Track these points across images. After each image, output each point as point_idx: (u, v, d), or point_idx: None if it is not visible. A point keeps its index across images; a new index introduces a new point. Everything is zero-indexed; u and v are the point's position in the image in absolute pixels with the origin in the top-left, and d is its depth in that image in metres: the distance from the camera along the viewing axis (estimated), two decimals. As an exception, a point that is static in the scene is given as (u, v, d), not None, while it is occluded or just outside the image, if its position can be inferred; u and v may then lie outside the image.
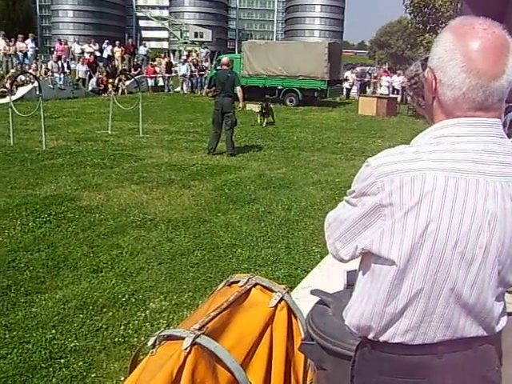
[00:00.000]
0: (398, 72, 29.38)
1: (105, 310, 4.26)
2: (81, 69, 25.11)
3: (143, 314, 4.21)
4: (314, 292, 2.57)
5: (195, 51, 34.36)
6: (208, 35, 46.32)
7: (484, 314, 1.40)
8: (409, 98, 2.23)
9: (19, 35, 25.74)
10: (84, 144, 11.60)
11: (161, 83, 27.71)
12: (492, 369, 1.46)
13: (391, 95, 25.44)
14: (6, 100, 15.36)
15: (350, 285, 2.60)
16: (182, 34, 47.35)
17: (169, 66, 28.49)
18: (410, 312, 1.39)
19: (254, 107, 20.21)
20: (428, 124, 1.53)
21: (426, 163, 1.33)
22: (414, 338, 1.40)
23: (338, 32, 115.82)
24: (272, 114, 15.82)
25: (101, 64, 27.09)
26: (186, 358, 2.11)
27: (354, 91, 29.03)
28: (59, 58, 25.42)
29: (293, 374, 2.70)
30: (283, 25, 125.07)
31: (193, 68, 28.00)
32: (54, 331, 3.90)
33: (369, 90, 30.29)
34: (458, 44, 1.35)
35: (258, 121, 15.76)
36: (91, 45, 28.59)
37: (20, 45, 24.92)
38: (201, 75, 27.87)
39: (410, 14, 29.87)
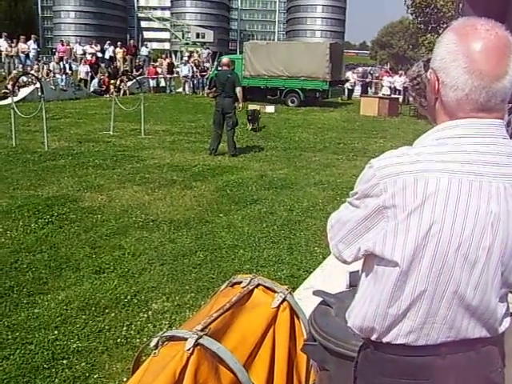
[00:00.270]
0: (400, 72, 29.37)
1: (107, 310, 4.26)
2: (83, 70, 25.11)
3: (145, 315, 4.21)
4: (316, 293, 2.57)
5: (197, 52, 34.34)
6: (210, 36, 46.29)
7: (487, 316, 1.40)
8: (411, 99, 2.23)
9: (21, 36, 25.80)
10: (86, 145, 11.61)
11: (162, 84, 27.73)
12: (495, 370, 1.46)
13: (393, 95, 25.42)
14: (8, 101, 15.36)
15: (353, 285, 2.61)
16: (183, 34, 47.31)
17: (170, 66, 28.51)
18: (412, 313, 1.39)
19: (256, 108, 20.25)
20: (430, 124, 1.53)
21: (429, 165, 1.33)
22: (417, 339, 1.40)
23: (339, 32, 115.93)
24: (258, 121, 15.36)
25: (103, 65, 27.15)
26: (188, 358, 2.11)
27: (357, 92, 29.01)
28: (61, 59, 25.47)
29: (295, 374, 2.70)
30: (285, 25, 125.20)
31: (194, 69, 28.01)
32: (56, 332, 3.90)
33: (370, 91, 30.29)
34: (460, 45, 1.35)
35: (248, 126, 15.33)
36: (93, 46, 28.61)
37: (22, 46, 24.98)
38: (202, 76, 27.87)
39: (412, 14, 29.89)
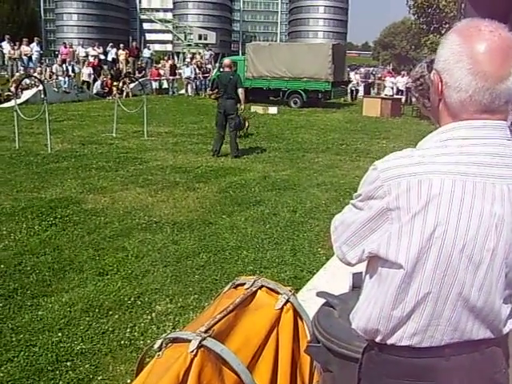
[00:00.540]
0: (402, 73, 29.40)
1: (111, 312, 4.27)
2: (85, 72, 25.18)
3: (149, 317, 4.22)
4: (319, 294, 2.57)
5: (199, 53, 34.42)
6: (212, 37, 46.36)
7: (491, 317, 1.40)
8: (414, 99, 2.23)
9: (24, 39, 25.87)
10: (89, 147, 11.62)
11: (165, 86, 27.78)
12: (499, 371, 1.46)
13: (395, 96, 25.43)
14: (11, 103, 15.45)
15: (356, 287, 2.60)
16: (185, 36, 47.40)
17: (173, 68, 28.56)
18: (417, 315, 1.39)
19: (259, 109, 20.26)
20: (432, 125, 1.53)
21: (433, 166, 1.33)
22: (422, 340, 1.40)
23: (341, 33, 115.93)
24: (245, 128, 14.81)
25: (105, 67, 27.21)
26: (192, 360, 2.11)
27: (360, 92, 29.01)
28: (64, 61, 25.55)
29: (299, 376, 2.70)
30: (287, 26, 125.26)
31: (197, 70, 28.05)
32: (60, 334, 3.91)
33: (373, 91, 30.29)
34: (464, 46, 1.35)
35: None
36: (95, 48, 28.69)
37: (25, 48, 25.04)
38: (205, 77, 27.91)
39: (414, 14, 29.79)
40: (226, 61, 11.91)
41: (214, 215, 6.91)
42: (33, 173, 8.95)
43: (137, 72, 27.52)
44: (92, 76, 25.10)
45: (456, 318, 1.38)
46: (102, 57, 28.24)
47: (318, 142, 13.62)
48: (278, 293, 2.70)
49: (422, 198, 1.31)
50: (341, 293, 2.60)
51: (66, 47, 28.62)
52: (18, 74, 22.23)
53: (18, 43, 25.41)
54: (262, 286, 2.72)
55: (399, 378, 1.43)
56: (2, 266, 5.10)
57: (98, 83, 24.61)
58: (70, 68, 24.95)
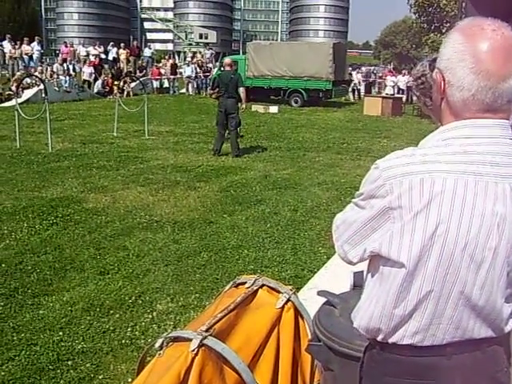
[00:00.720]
0: (403, 72, 29.38)
1: (112, 311, 4.27)
2: (86, 71, 25.20)
3: (150, 316, 4.22)
4: (320, 293, 2.57)
5: (200, 53, 34.42)
6: (213, 36, 46.39)
7: (493, 316, 1.40)
8: (415, 98, 2.23)
9: (25, 38, 25.90)
10: (90, 146, 11.63)
11: (166, 85, 27.77)
12: (501, 370, 1.45)
13: (396, 95, 25.41)
14: (12, 103, 15.44)
15: (357, 286, 2.60)
16: (186, 35, 47.41)
17: (174, 67, 28.56)
18: (419, 314, 1.38)
19: (259, 108, 20.26)
20: (433, 124, 1.53)
21: (435, 165, 1.33)
22: (423, 339, 1.40)
23: (342, 32, 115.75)
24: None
25: (106, 66, 27.21)
26: (193, 359, 2.11)
27: (362, 92, 28.99)
28: (65, 60, 25.56)
29: (300, 374, 2.70)
30: (288, 25, 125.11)
31: (198, 69, 28.05)
32: (61, 333, 3.91)
33: (374, 90, 30.27)
34: (467, 45, 1.34)
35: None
36: (96, 47, 28.69)
37: (26, 48, 25.06)
38: (206, 76, 27.91)
39: (415, 13, 29.77)
40: (227, 60, 11.91)
41: (215, 214, 6.91)
42: (34, 172, 8.96)
43: (138, 71, 27.51)
44: (93, 75, 25.12)
45: (458, 316, 1.38)
46: (103, 56, 28.25)
47: (319, 141, 13.62)
48: (278, 292, 2.70)
49: (424, 197, 1.31)
50: (342, 292, 2.60)
51: (66, 46, 28.64)
52: (18, 73, 22.23)
53: (18, 42, 25.45)
54: (263, 285, 2.72)
55: (401, 376, 1.43)
56: (3, 265, 5.11)
57: (99, 82, 24.62)
58: (70, 67, 24.96)
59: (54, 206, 6.96)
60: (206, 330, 2.22)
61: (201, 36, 45.57)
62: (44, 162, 9.82)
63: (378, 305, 1.44)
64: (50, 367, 3.50)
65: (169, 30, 66.84)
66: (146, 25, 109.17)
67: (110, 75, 25.54)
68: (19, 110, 11.56)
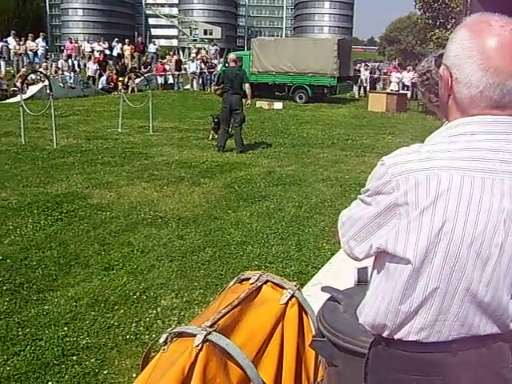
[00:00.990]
0: (408, 68, 29.28)
1: (116, 307, 4.28)
2: (91, 67, 25.19)
3: (154, 312, 4.23)
4: (324, 289, 2.57)
5: (204, 49, 34.38)
6: (217, 33, 46.23)
7: (499, 312, 1.39)
8: (420, 94, 2.22)
9: (29, 34, 25.96)
10: (94, 142, 11.65)
11: (170, 81, 27.76)
12: (506, 366, 1.45)
13: (401, 91, 25.35)
14: (17, 99, 15.48)
15: (361, 282, 2.61)
16: (191, 31, 47.30)
17: (178, 63, 28.53)
18: (424, 310, 1.38)
19: (264, 104, 20.25)
20: (438, 120, 1.52)
21: (442, 162, 1.32)
22: (429, 336, 1.40)
23: (347, 28, 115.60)
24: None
25: (111, 62, 27.24)
26: (197, 354, 2.12)
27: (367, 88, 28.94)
28: (69, 56, 25.60)
29: (304, 370, 2.70)
30: (292, 21, 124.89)
31: (202, 65, 28.03)
32: (66, 328, 3.92)
33: (378, 87, 30.20)
34: (474, 41, 1.33)
35: (210, 136, 12.55)
36: (101, 43, 28.73)
37: (30, 44, 25.12)
38: (210, 73, 27.88)
39: (420, 9, 29.69)
40: (232, 56, 11.89)
41: (220, 210, 6.92)
42: (38, 168, 8.98)
43: (142, 67, 27.51)
44: (97, 71, 25.11)
45: (463, 313, 1.37)
46: (108, 52, 28.28)
47: (324, 137, 13.60)
48: (283, 288, 2.70)
49: (430, 194, 1.31)
50: (346, 288, 2.60)
51: (71, 42, 28.69)
52: (23, 69, 22.27)
53: (23, 38, 25.50)
54: (267, 281, 2.72)
55: (406, 372, 1.43)
56: (9, 260, 5.12)
57: (104, 78, 24.64)
58: (75, 63, 25.02)
59: (59, 202, 6.97)
60: (211, 326, 2.23)
61: (205, 32, 45.44)
62: (49, 157, 9.84)
63: (383, 301, 1.43)
64: (55, 362, 3.51)
65: (173, 26, 66.79)
66: (151, 21, 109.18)
67: (114, 71, 25.57)
68: (24, 106, 11.59)
